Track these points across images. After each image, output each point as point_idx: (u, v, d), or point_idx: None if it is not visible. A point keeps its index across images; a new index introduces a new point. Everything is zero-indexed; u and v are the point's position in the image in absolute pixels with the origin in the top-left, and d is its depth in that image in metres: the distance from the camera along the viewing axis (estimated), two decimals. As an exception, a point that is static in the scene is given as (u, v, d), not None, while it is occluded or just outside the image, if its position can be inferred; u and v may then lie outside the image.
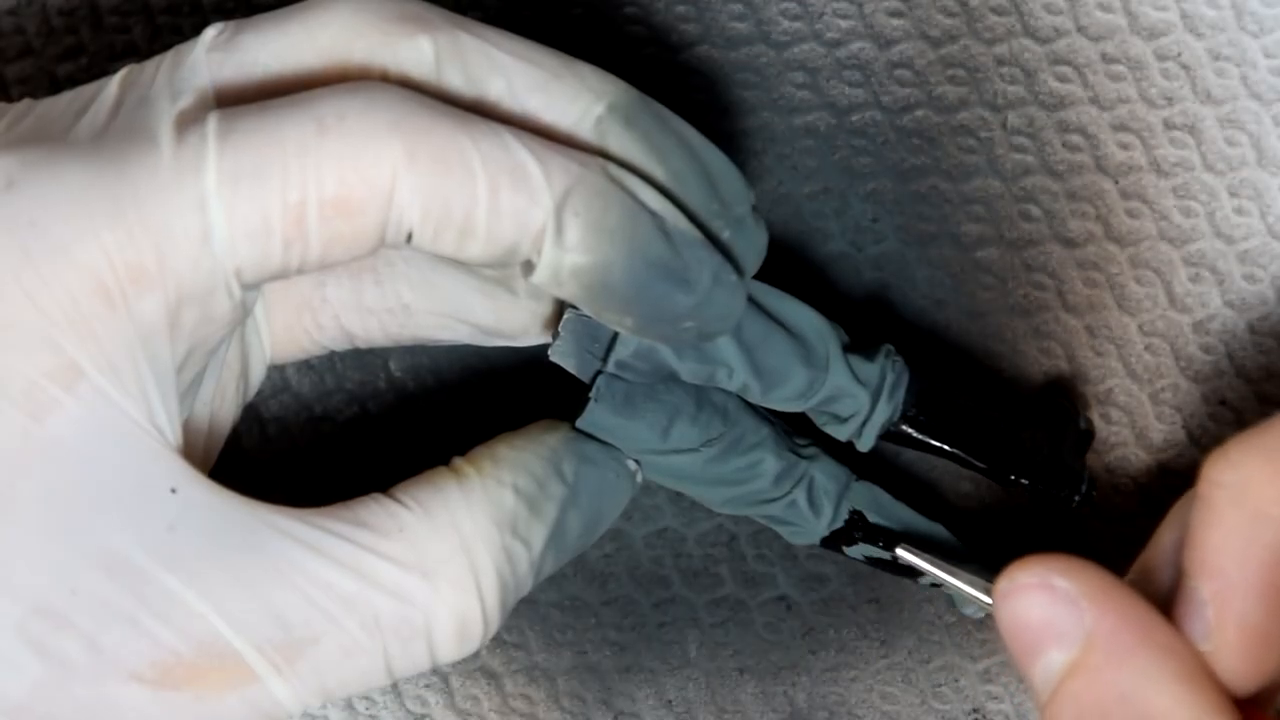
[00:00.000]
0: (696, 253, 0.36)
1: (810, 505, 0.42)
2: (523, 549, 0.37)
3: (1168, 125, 0.45)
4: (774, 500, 0.42)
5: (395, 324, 0.41)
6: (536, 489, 0.38)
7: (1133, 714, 0.31)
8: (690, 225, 0.36)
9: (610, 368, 0.40)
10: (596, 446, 0.40)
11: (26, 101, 0.37)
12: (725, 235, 0.37)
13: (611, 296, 0.36)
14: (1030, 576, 0.33)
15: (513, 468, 0.38)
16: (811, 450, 0.43)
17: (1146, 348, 0.45)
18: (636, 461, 0.41)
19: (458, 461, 0.38)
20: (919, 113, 0.45)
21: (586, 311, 0.37)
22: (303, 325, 0.41)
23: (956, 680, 0.46)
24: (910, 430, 0.42)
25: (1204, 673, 0.32)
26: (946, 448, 0.43)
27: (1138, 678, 0.31)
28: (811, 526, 0.42)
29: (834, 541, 0.43)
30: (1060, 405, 0.44)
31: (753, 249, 0.38)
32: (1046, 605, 0.32)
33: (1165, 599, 0.33)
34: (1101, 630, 0.32)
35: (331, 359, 0.45)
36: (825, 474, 0.42)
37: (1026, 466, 0.43)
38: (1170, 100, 0.45)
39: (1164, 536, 0.35)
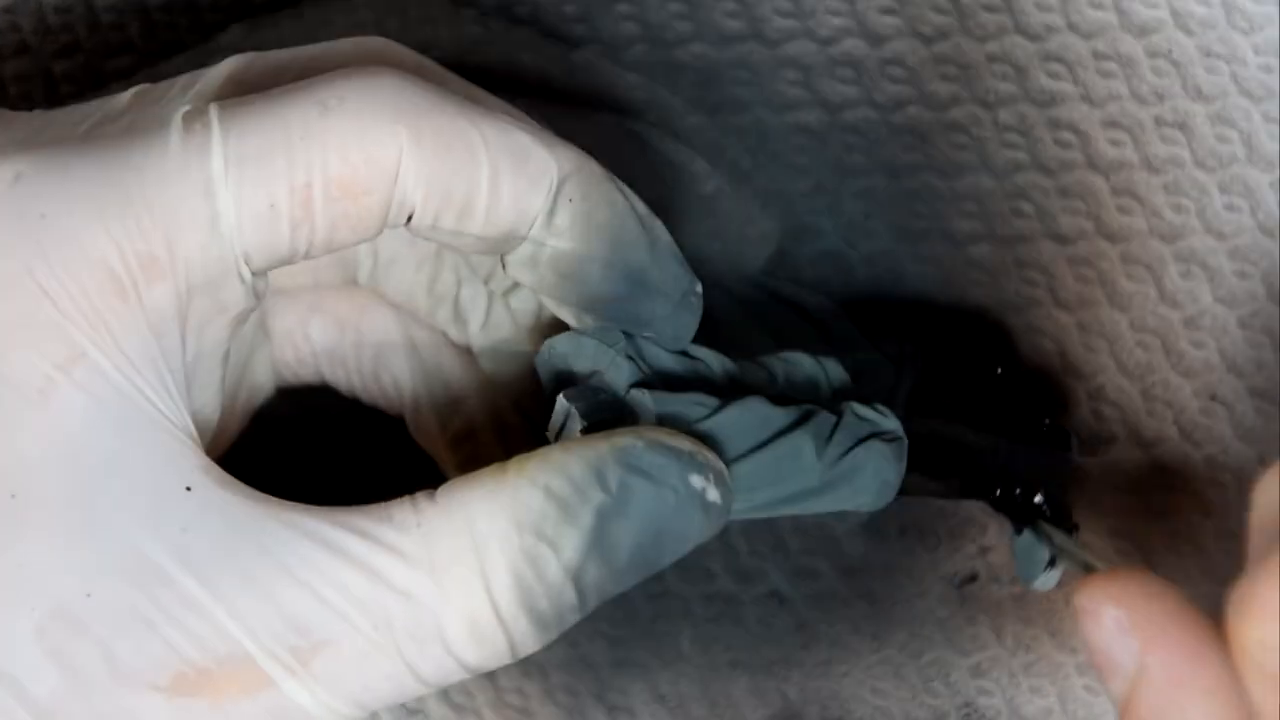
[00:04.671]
0: (673, 269, 0.37)
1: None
2: (549, 552, 0.34)
3: (1158, 122, 0.45)
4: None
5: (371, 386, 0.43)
6: (571, 492, 0.35)
7: None
8: (672, 240, 0.37)
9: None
10: (658, 459, 0.35)
11: (39, 111, 0.37)
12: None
13: (583, 291, 0.36)
14: (1089, 602, 0.32)
15: (550, 469, 0.35)
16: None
17: (1138, 343, 0.46)
18: (726, 484, 0.36)
19: (512, 460, 0.36)
20: (911, 110, 0.45)
21: (546, 300, 0.37)
22: (284, 359, 0.42)
23: (948, 675, 0.46)
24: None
25: None
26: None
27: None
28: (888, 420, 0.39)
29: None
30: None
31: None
32: (1104, 633, 0.32)
33: None
34: (1153, 664, 0.31)
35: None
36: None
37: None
38: (1161, 97, 0.45)
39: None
